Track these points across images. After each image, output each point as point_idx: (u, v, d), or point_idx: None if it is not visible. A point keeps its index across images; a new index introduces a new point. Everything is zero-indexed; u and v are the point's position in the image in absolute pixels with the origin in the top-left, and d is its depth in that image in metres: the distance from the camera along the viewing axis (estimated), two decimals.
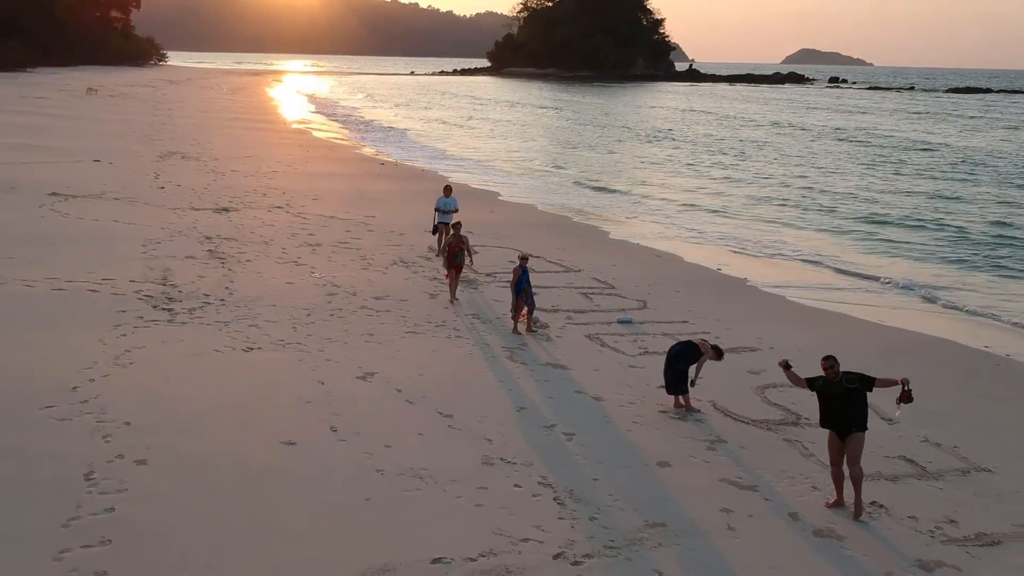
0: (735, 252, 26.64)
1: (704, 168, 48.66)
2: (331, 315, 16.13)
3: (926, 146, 63.24)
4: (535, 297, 16.71)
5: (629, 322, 17.39)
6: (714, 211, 34.28)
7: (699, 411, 12.79)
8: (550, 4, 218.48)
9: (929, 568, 8.90)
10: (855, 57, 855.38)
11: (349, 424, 11.24)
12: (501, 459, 10.64)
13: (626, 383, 13.74)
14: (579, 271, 21.54)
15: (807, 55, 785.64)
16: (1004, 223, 32.95)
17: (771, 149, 59.80)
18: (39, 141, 39.72)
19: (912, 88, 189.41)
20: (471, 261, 18.81)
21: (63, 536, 8.10)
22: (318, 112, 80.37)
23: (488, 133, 67.08)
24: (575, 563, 8.48)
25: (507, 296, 16.99)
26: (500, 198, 33.62)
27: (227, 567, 7.95)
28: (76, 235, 20.96)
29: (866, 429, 9.95)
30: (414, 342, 15.03)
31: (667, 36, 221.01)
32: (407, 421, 11.55)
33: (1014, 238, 30.13)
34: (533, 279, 20.51)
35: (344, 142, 53.66)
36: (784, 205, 36.26)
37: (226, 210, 25.99)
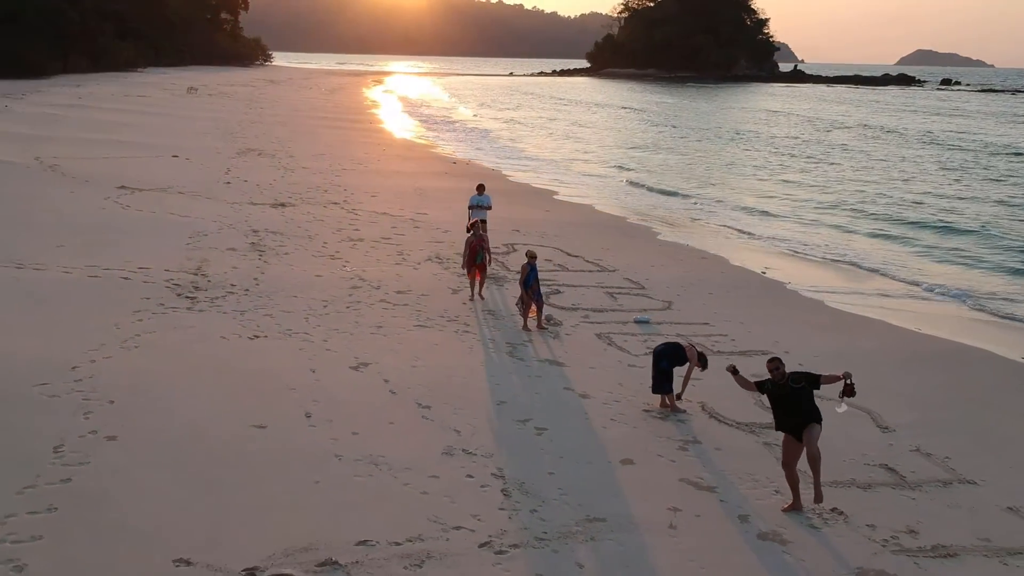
0: (787, 255, 26.19)
1: (778, 171, 47.70)
2: (347, 307, 16.58)
3: (1020, 151, 60.55)
4: (550, 295, 16.82)
5: (646, 322, 17.34)
6: (777, 214, 33.68)
7: (684, 411, 12.73)
8: (651, 4, 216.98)
9: None
10: (974, 58, 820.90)
11: (325, 411, 11.61)
12: (463, 450, 10.83)
13: (620, 382, 13.75)
14: (614, 271, 21.52)
15: (923, 56, 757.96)
16: None
17: (854, 152, 58.21)
18: (127, 137, 41.72)
19: None
20: (491, 260, 19.02)
21: (14, 502, 8.66)
22: (407, 112, 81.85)
23: (565, 134, 67.14)
24: (499, 552, 8.62)
25: None
26: (557, 197, 33.72)
27: (160, 536, 8.37)
28: (129, 226, 22.05)
29: (821, 420, 9.86)
30: (420, 335, 15.34)
31: (771, 36, 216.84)
32: (383, 410, 11.86)
33: None
34: (565, 278, 20.80)
35: (422, 141, 54.54)
36: (853, 209, 35.33)
37: (283, 205, 26.85)
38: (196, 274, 17.95)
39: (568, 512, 9.51)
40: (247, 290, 17.12)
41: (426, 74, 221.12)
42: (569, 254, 23.02)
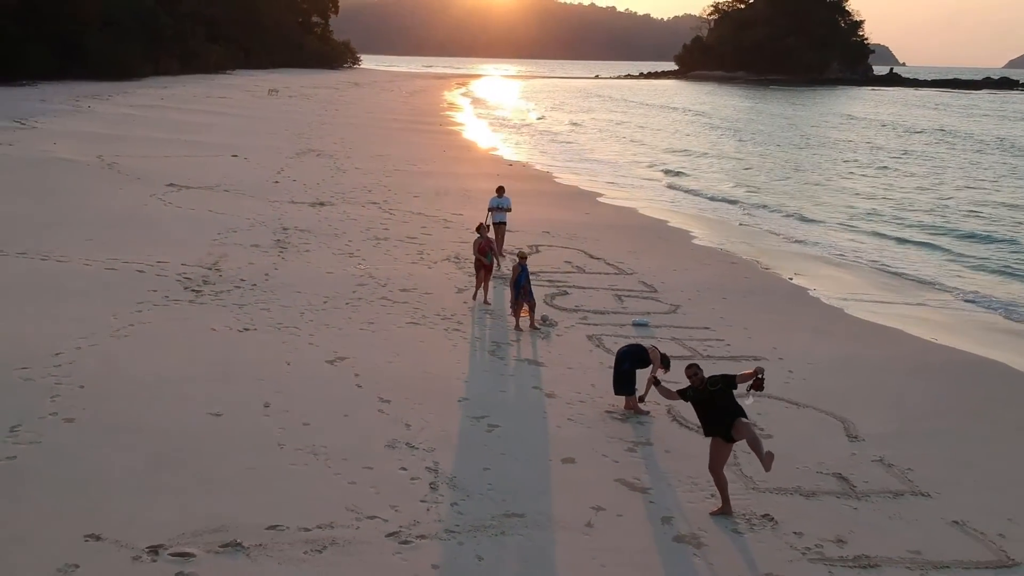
0: (825, 262, 25.71)
1: (839, 177, 46.60)
2: (346, 303, 16.99)
3: None
4: (555, 296, 16.91)
5: (644, 325, 17.29)
6: (827, 221, 32.96)
7: (648, 413, 12.71)
8: (742, 6, 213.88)
9: None
10: None
11: (285, 402, 11.97)
12: (407, 444, 11.06)
13: (593, 383, 13.78)
14: (631, 274, 21.46)
15: None
16: None
17: (922, 159, 56.43)
18: (194, 137, 43.24)
19: None
20: (499, 263, 19.20)
21: None
22: (479, 114, 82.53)
23: (631, 137, 66.78)
24: (403, 542, 8.82)
25: (536, 297, 17.23)
26: (600, 200, 33.66)
27: (81, 513, 8.83)
28: (163, 221, 22.97)
29: (746, 415, 9.90)
30: (409, 332, 15.63)
31: (867, 38, 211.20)
32: (342, 403, 12.16)
33: None
34: (578, 279, 20.85)
35: (485, 143, 55.00)
36: (907, 217, 34.35)
37: (321, 204, 27.53)
38: (210, 269, 18.62)
39: (488, 507, 9.65)
40: (254, 285, 17.68)
41: (512, 77, 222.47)
42: (591, 256, 23.04)
